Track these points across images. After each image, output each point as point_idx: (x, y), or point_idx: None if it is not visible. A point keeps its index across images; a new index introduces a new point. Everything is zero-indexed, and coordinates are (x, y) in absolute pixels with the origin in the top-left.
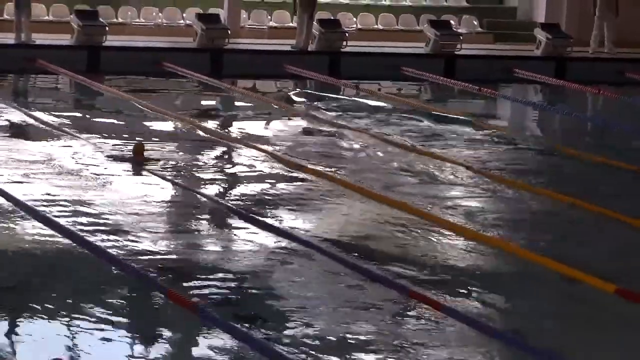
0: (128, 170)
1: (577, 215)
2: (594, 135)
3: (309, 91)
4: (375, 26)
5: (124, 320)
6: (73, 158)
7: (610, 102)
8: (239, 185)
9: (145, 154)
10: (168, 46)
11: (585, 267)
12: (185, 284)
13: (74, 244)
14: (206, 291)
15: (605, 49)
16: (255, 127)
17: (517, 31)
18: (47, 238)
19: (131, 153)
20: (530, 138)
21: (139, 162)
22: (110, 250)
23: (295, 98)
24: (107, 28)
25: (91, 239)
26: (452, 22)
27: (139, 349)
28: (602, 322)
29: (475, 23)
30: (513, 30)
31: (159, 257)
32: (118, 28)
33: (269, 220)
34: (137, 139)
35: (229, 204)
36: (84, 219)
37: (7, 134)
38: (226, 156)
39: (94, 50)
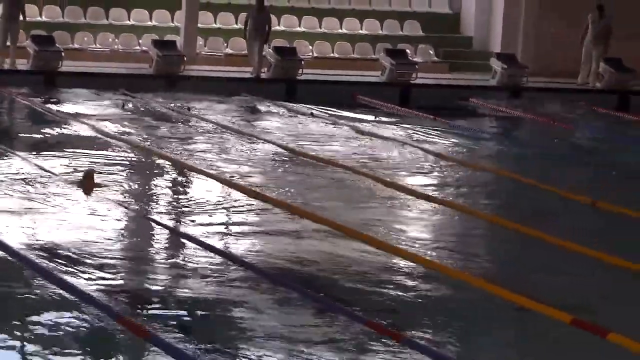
0: (79, 196)
1: (531, 242)
2: (546, 164)
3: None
4: (332, 54)
5: (74, 346)
6: (23, 182)
7: (563, 131)
8: (192, 211)
9: (96, 179)
10: (125, 72)
11: (540, 297)
12: (136, 310)
13: (24, 269)
14: (158, 317)
15: (590, 82)
16: (209, 153)
17: (473, 61)
18: None
19: (82, 178)
20: (482, 166)
21: (89, 188)
22: (60, 275)
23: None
24: (62, 53)
25: (42, 264)
26: (408, 51)
27: None
28: (559, 351)
29: (431, 52)
30: (469, 60)
31: (109, 282)
32: (74, 53)
33: (223, 247)
34: (88, 164)
35: (181, 230)
36: (34, 244)
37: None
38: (178, 182)
39: (49, 75)
